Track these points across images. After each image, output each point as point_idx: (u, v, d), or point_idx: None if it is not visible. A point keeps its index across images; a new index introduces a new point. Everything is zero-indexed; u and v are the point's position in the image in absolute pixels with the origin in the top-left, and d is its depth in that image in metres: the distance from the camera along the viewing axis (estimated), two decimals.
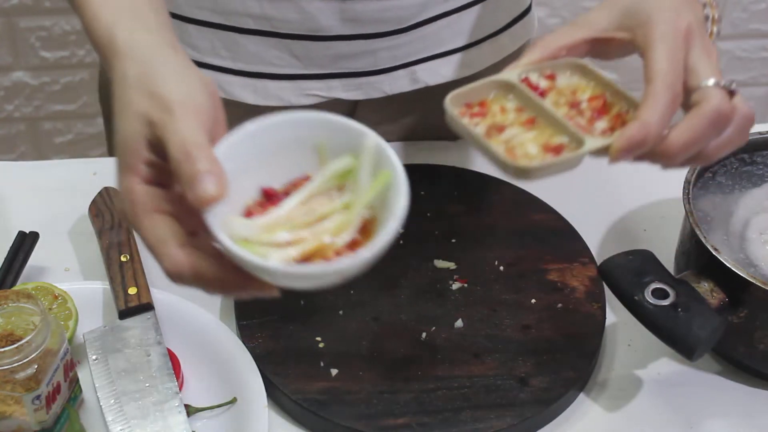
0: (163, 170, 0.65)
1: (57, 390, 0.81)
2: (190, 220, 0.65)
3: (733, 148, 0.76)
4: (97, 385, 0.86)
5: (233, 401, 0.86)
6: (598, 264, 0.89)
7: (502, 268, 0.97)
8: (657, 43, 0.74)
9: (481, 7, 1.05)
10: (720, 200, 0.93)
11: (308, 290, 0.66)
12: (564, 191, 1.07)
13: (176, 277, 0.64)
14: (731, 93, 0.74)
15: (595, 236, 1.03)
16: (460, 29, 1.05)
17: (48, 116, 2.01)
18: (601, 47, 0.79)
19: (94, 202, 1.00)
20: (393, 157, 0.65)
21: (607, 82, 0.77)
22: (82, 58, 1.94)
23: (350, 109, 1.10)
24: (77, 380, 0.85)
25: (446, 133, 1.13)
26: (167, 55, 0.69)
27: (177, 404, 0.84)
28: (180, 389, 0.85)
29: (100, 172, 1.08)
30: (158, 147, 0.65)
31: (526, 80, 0.77)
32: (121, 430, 0.83)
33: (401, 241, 0.99)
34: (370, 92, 1.05)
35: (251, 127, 0.66)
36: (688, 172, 0.92)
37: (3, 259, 0.95)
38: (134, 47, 0.69)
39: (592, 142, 0.72)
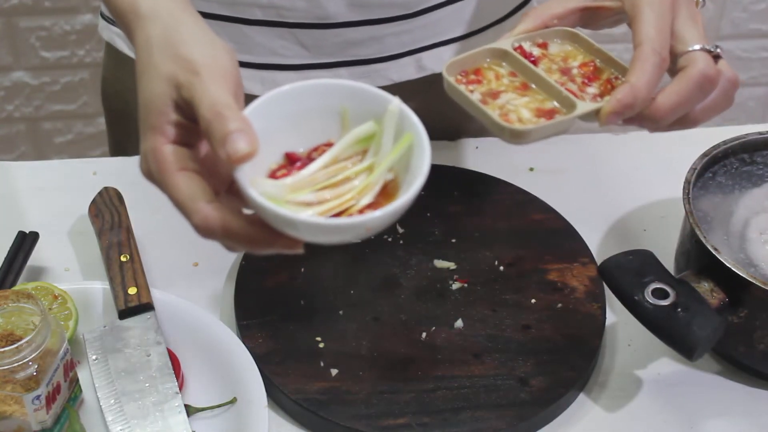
0: (187, 130, 0.67)
1: (57, 390, 0.81)
2: (212, 180, 0.66)
3: (719, 111, 0.79)
4: (97, 385, 0.86)
5: (233, 401, 0.86)
6: (598, 264, 0.89)
7: (502, 268, 0.97)
8: (644, 10, 0.77)
9: None
10: (720, 200, 0.93)
11: (333, 244, 0.66)
12: (564, 191, 1.07)
13: (205, 232, 0.65)
14: (716, 57, 0.77)
15: (595, 236, 1.03)
16: (465, 16, 1.06)
17: (48, 116, 2.01)
18: (591, 16, 0.82)
19: (94, 202, 1.00)
20: (416, 122, 0.66)
21: (597, 49, 0.80)
22: (82, 58, 1.94)
23: None
24: (77, 380, 0.85)
25: (450, 124, 1.14)
26: (189, 20, 0.70)
27: (177, 404, 0.84)
28: (180, 389, 0.85)
29: (100, 172, 1.08)
30: (184, 108, 0.66)
31: (519, 48, 0.80)
32: (121, 430, 0.83)
33: (401, 241, 0.99)
34: (377, 80, 1.06)
35: (276, 92, 0.68)
36: (689, 172, 0.92)
37: (3, 259, 0.95)
38: (157, 12, 0.70)
39: (584, 106, 0.75)
